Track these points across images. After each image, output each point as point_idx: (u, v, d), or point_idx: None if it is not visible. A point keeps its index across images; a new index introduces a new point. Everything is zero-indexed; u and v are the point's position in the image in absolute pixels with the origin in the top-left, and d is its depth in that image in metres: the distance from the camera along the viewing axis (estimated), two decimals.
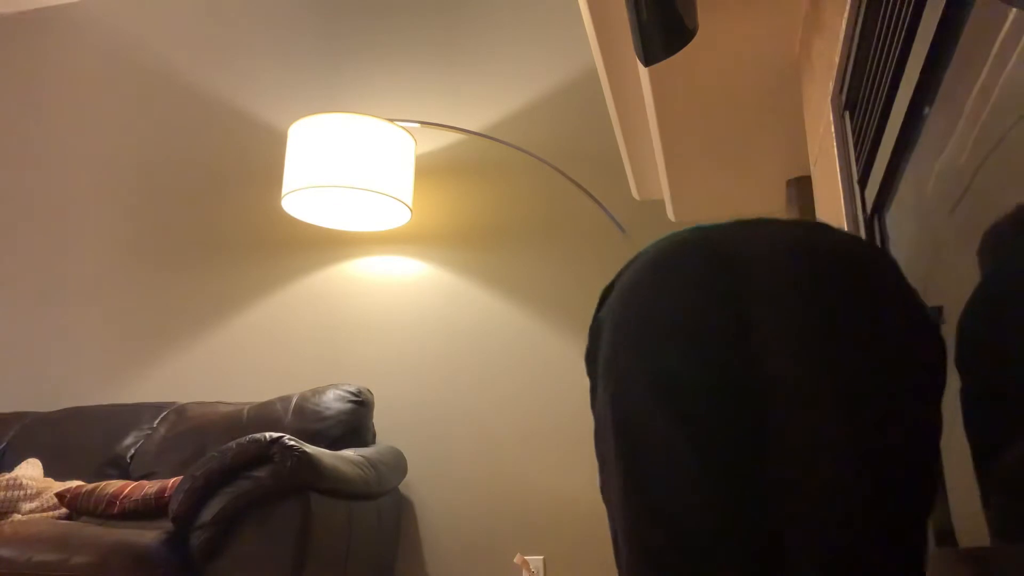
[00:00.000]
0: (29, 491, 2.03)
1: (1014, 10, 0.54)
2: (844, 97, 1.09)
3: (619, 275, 0.69)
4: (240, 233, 2.77)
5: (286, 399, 2.28)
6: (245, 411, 2.29)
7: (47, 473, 2.29)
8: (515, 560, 2.13)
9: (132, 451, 2.35)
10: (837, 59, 1.06)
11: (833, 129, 1.13)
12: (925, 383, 0.60)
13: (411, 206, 2.41)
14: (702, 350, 0.61)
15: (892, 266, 0.64)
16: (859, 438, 0.57)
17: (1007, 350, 0.60)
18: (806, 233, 0.64)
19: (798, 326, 0.60)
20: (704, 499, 0.58)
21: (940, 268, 0.76)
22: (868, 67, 0.94)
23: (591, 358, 0.69)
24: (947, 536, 0.81)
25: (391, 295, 2.59)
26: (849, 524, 0.56)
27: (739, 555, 0.57)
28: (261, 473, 1.72)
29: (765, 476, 0.58)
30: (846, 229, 1.08)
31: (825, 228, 0.65)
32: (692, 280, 0.63)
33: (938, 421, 0.60)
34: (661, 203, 2.44)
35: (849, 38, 1.01)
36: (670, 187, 1.94)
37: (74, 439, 2.39)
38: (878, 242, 1.01)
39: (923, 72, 0.74)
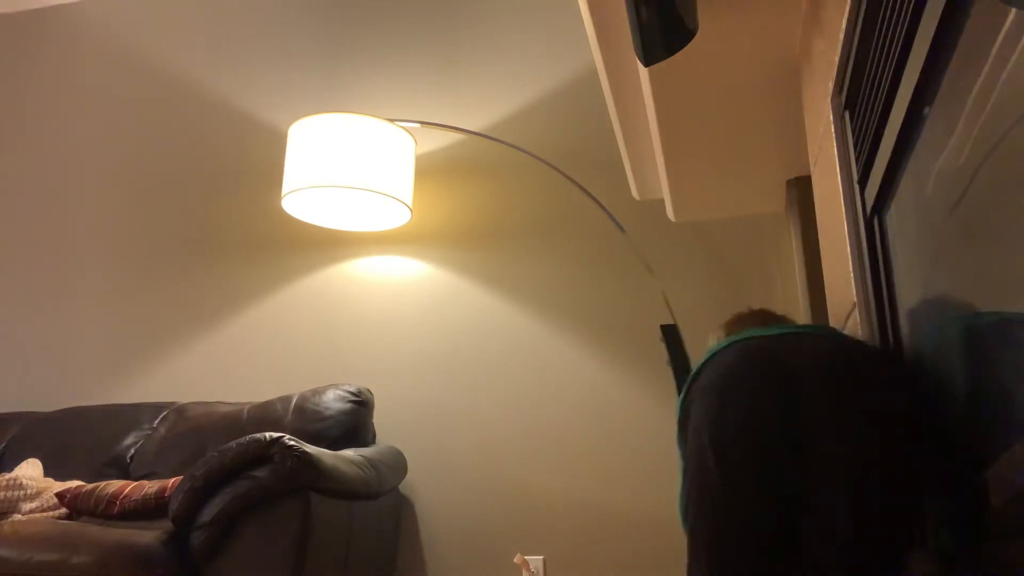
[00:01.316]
0: (29, 491, 2.03)
1: (1014, 10, 0.54)
2: (844, 97, 1.09)
3: (703, 366, 1.04)
4: (240, 233, 2.77)
5: (286, 399, 2.28)
6: (245, 411, 2.29)
7: (47, 473, 2.29)
8: (515, 560, 2.13)
9: (132, 451, 2.35)
10: (837, 59, 1.06)
11: (833, 129, 1.13)
12: (904, 443, 0.88)
13: (411, 206, 2.41)
14: (761, 439, 0.92)
15: (895, 372, 0.93)
16: (863, 474, 0.87)
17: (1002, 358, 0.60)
18: (838, 347, 0.95)
19: (830, 414, 0.90)
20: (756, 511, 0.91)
21: (940, 268, 0.76)
22: (868, 67, 0.94)
23: (683, 426, 1.04)
24: (950, 535, 0.81)
25: (391, 295, 2.59)
26: (855, 517, 0.85)
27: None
28: (261, 473, 1.72)
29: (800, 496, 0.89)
30: (845, 230, 1.08)
31: (853, 344, 0.96)
32: (755, 385, 0.96)
33: (914, 464, 0.88)
34: (661, 203, 2.44)
35: (849, 38, 1.01)
36: (670, 187, 1.94)
37: (74, 439, 2.39)
38: (878, 242, 1.01)
39: (923, 72, 0.74)
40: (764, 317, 1.30)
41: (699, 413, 0.99)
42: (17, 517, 1.96)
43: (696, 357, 2.31)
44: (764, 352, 0.98)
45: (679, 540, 2.30)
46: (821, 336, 0.99)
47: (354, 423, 2.23)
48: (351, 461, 1.97)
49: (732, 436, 0.94)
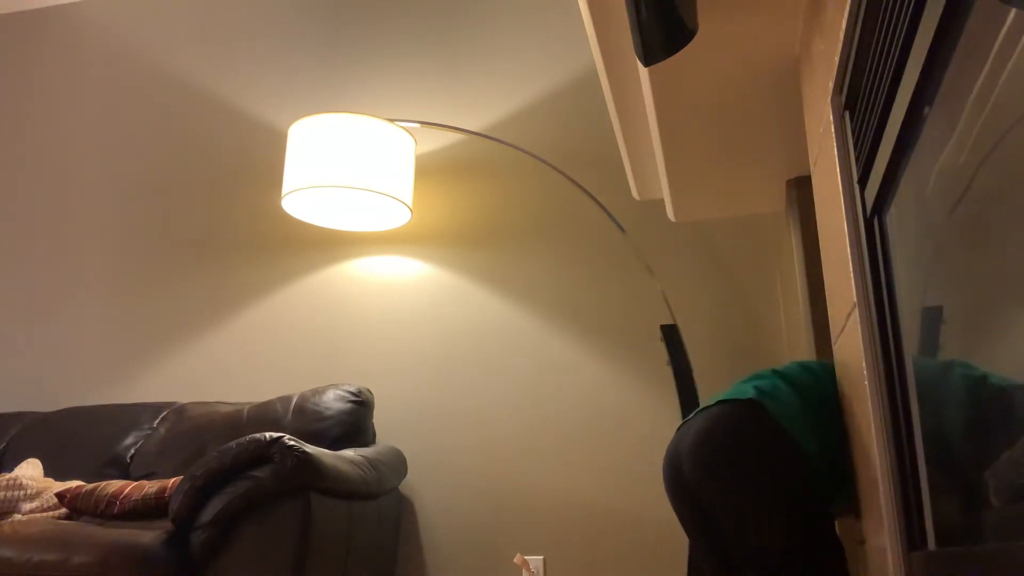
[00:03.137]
0: (29, 491, 2.03)
1: (1014, 10, 0.54)
2: (844, 97, 1.09)
3: None
4: (240, 233, 2.77)
5: (286, 399, 2.28)
6: (245, 411, 2.29)
7: (47, 473, 2.29)
8: (515, 560, 2.13)
9: (132, 451, 2.35)
10: (837, 59, 1.06)
11: (833, 129, 1.13)
12: (792, 496, 1.15)
13: (411, 206, 2.41)
14: (678, 506, 1.27)
15: (763, 432, 1.18)
16: (752, 517, 1.15)
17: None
18: (705, 423, 1.21)
19: (710, 482, 1.18)
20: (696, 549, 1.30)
21: (940, 268, 0.76)
22: (868, 67, 0.94)
23: None
24: (948, 536, 0.82)
25: (391, 295, 2.59)
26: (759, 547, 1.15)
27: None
28: (261, 473, 1.72)
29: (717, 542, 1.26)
30: (845, 230, 1.08)
31: (719, 414, 1.21)
32: (665, 472, 1.29)
33: (802, 506, 1.16)
34: (661, 203, 2.44)
35: (849, 38, 1.01)
36: (670, 187, 1.94)
37: (74, 439, 2.39)
38: (878, 242, 1.01)
39: (923, 72, 0.74)
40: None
41: None
42: (17, 517, 1.96)
43: (696, 357, 2.31)
44: (672, 446, 1.28)
45: (679, 540, 2.30)
46: (704, 413, 1.22)
47: (354, 423, 2.23)
48: (351, 461, 1.97)
49: (679, 518, 1.30)
